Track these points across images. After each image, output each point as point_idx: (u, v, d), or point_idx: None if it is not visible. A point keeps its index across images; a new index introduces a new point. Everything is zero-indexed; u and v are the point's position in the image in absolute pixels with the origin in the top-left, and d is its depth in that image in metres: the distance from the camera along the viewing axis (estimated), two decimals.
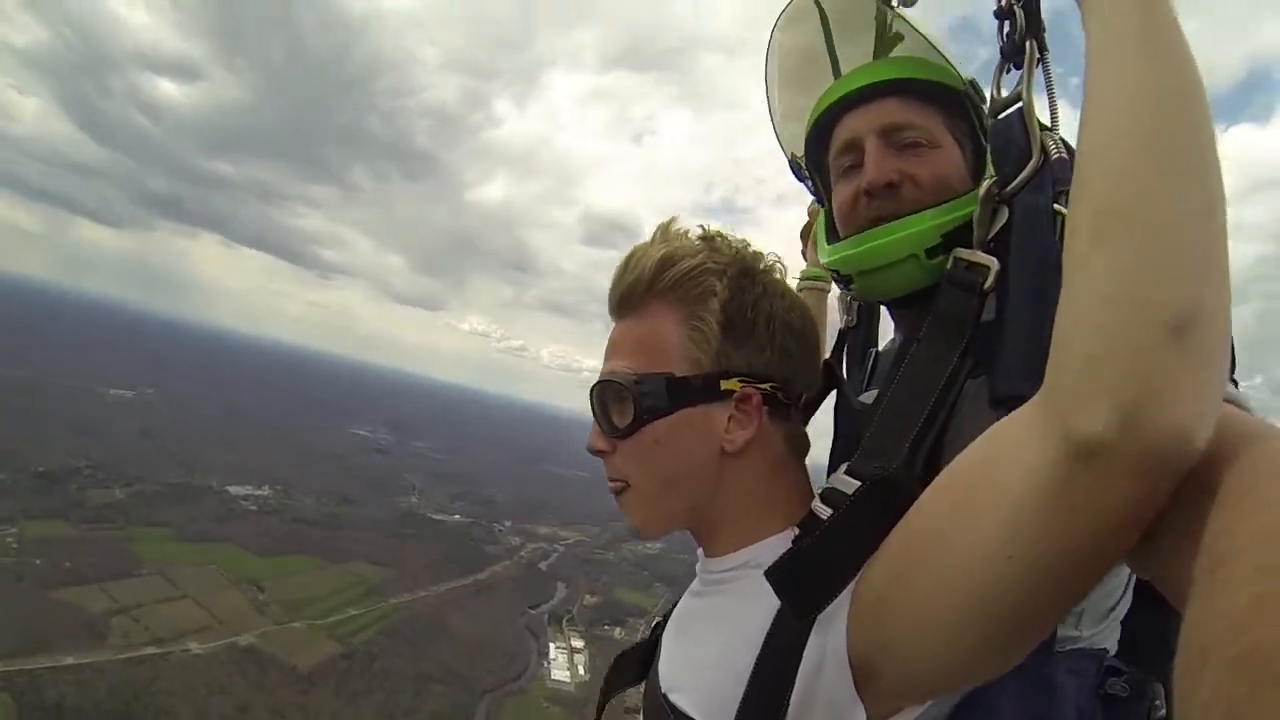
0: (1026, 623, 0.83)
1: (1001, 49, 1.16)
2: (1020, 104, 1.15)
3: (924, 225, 1.29)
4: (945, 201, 1.30)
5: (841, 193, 1.43)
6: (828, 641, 0.97)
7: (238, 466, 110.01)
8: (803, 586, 0.99)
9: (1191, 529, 0.61)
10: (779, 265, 1.29)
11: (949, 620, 0.85)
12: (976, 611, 0.82)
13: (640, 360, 1.19)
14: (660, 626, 1.46)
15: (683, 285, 1.18)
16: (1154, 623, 1.25)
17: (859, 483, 1.00)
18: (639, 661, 1.47)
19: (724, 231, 1.27)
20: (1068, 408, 0.70)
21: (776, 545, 1.13)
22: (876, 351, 1.76)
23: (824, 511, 1.03)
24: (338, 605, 75.74)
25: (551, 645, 73.80)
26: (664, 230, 1.25)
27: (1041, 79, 1.16)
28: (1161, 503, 0.70)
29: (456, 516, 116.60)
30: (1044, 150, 1.10)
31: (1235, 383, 1.15)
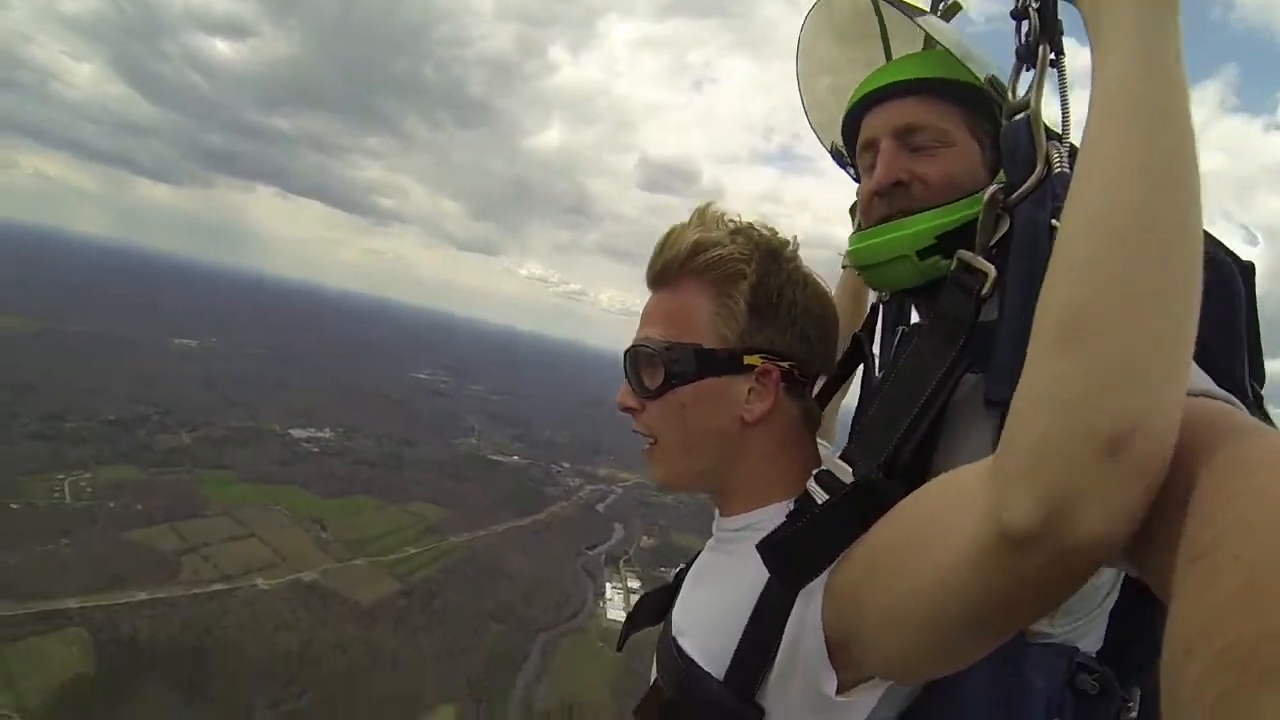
0: (969, 640, 0.95)
1: (1017, 50, 1.16)
2: (1028, 109, 1.14)
3: (918, 228, 1.36)
4: (949, 202, 1.36)
5: (862, 189, 1.52)
6: (807, 613, 1.11)
7: (300, 410, 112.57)
8: (788, 565, 1.12)
9: (1174, 524, 0.63)
10: (801, 259, 1.41)
11: (904, 626, 0.98)
12: (925, 623, 0.95)
13: (672, 330, 1.33)
14: (683, 573, 1.61)
15: (715, 267, 1.31)
16: (1142, 619, 1.30)
17: (849, 469, 1.12)
18: (660, 604, 1.59)
19: (756, 224, 1.39)
20: (1004, 495, 0.78)
21: (777, 513, 1.26)
22: (904, 329, 1.74)
23: (819, 494, 1.14)
24: (398, 544, 77.48)
25: (608, 585, 74.33)
26: (700, 214, 1.38)
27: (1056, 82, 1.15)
28: (1080, 583, 0.80)
29: (515, 458, 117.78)
30: (1047, 162, 1.10)
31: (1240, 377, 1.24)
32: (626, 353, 1.38)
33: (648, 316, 1.40)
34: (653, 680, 1.44)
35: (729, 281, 1.31)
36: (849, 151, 1.66)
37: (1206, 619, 0.50)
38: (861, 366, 1.73)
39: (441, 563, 75.10)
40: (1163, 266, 0.73)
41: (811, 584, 1.11)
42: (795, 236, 1.40)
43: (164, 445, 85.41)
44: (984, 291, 1.12)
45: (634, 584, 76.53)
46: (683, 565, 1.64)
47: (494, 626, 64.42)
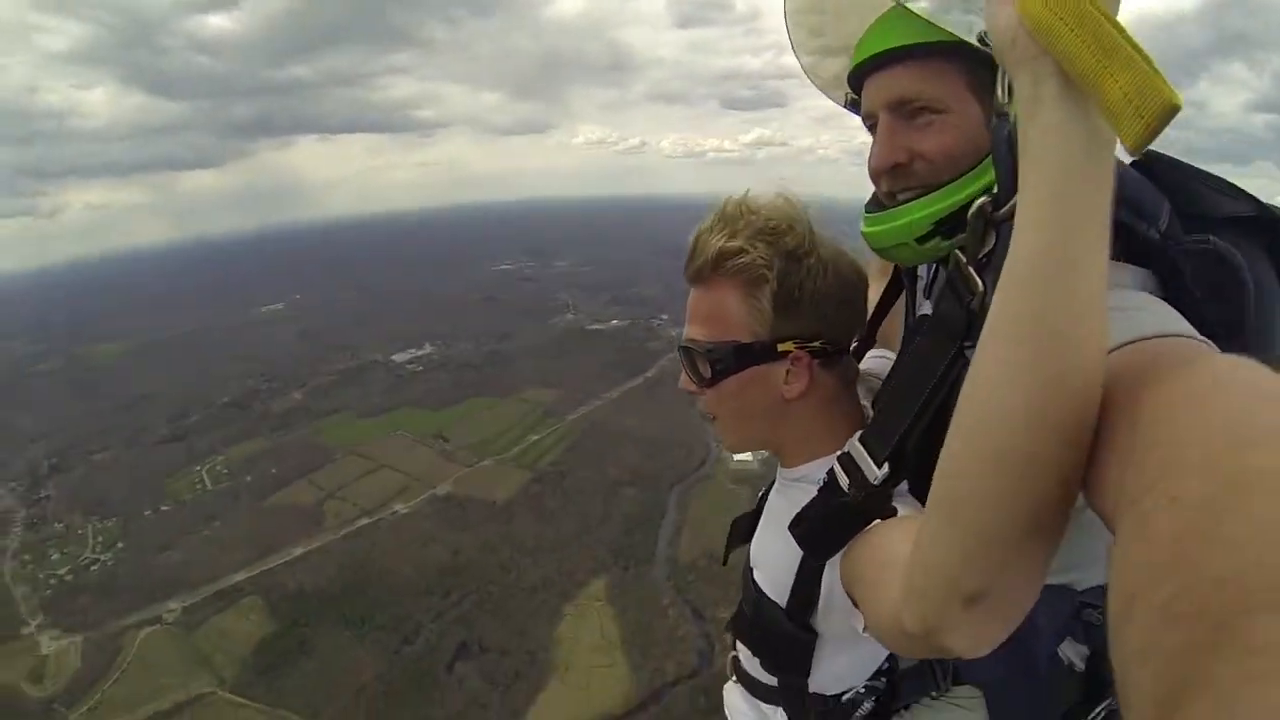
0: (899, 650, 1.34)
1: None
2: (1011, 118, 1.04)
3: (912, 217, 1.39)
4: (946, 181, 1.36)
5: (869, 158, 1.52)
6: (833, 575, 1.41)
7: (396, 336, 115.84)
8: (810, 545, 1.40)
9: (1121, 464, 0.63)
10: (828, 240, 1.52)
11: (870, 623, 1.25)
12: (876, 632, 1.24)
13: (713, 329, 1.51)
14: (764, 498, 1.84)
15: (741, 272, 1.45)
16: None
17: (868, 459, 1.26)
18: (748, 527, 1.86)
19: (775, 215, 1.49)
20: (901, 606, 1.02)
21: (823, 466, 1.43)
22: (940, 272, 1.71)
23: (840, 475, 1.33)
24: (519, 435, 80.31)
25: None
26: (722, 214, 1.50)
27: None
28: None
29: (614, 322, 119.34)
30: None
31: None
32: (680, 349, 1.57)
33: (691, 314, 1.56)
34: (739, 602, 1.79)
35: (754, 285, 1.46)
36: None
37: (1146, 567, 0.48)
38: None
39: (564, 443, 77.66)
40: (1032, 473, 0.79)
41: (834, 556, 1.38)
42: (810, 228, 1.50)
43: (280, 409, 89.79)
44: (973, 305, 1.13)
45: None
46: (763, 491, 1.87)
47: (627, 492, 66.57)
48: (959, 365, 1.16)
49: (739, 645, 1.84)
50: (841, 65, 1.60)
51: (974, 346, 1.05)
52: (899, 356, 1.62)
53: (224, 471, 73.82)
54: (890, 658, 1.60)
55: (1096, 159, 0.77)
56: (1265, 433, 0.49)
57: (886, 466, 1.23)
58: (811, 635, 1.52)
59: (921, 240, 1.39)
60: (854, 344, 1.67)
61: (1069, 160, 0.76)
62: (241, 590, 54.19)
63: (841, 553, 1.35)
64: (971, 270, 1.13)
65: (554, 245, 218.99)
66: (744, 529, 1.87)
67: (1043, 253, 0.78)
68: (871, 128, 1.46)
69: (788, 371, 1.48)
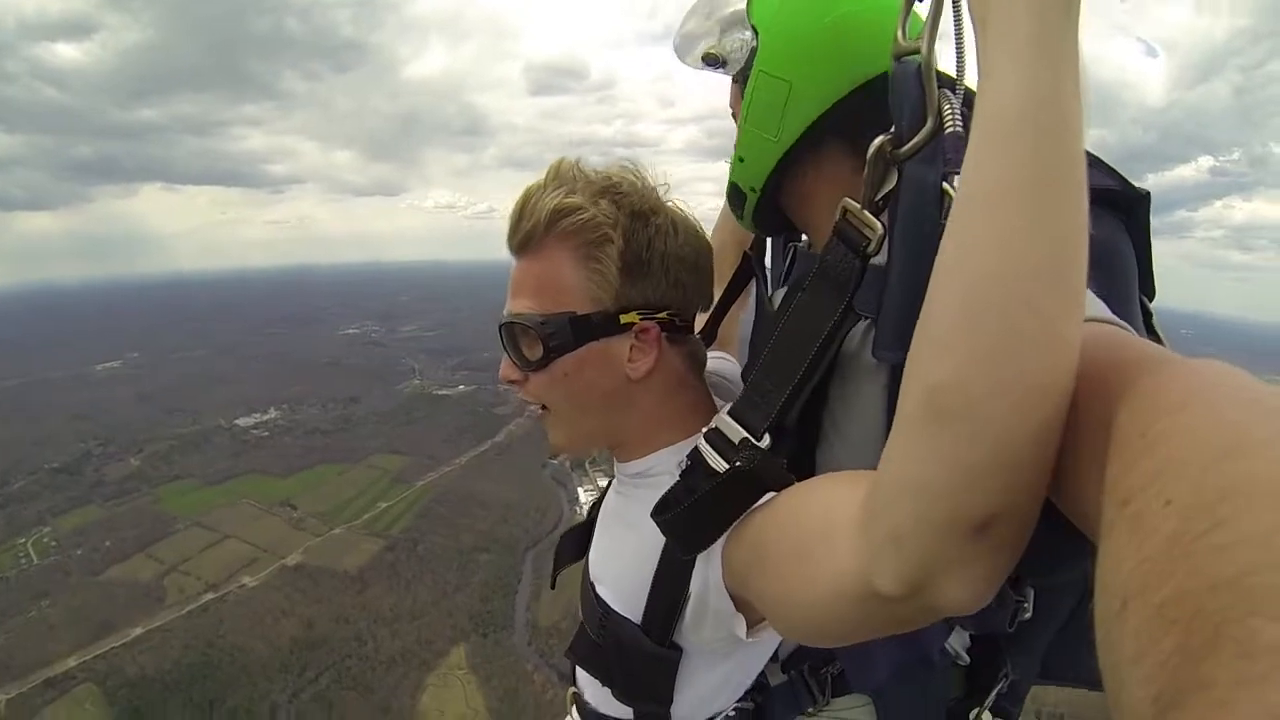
0: (848, 638, 1.00)
1: None
2: (918, 54, 0.99)
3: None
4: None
5: None
6: (709, 571, 1.17)
7: (240, 399, 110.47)
8: (681, 535, 1.14)
9: (1098, 461, 0.60)
10: (673, 203, 1.37)
11: (787, 617, 1.04)
12: (805, 623, 1.01)
13: (544, 300, 1.26)
14: (596, 508, 1.63)
15: (580, 232, 1.23)
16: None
17: (740, 431, 1.09)
18: (579, 541, 1.63)
19: (617, 175, 1.31)
20: (872, 565, 0.79)
21: (669, 457, 1.31)
22: (797, 246, 1.66)
23: (710, 455, 1.11)
24: (369, 502, 78.11)
25: (580, 490, 73.36)
26: (555, 171, 1.28)
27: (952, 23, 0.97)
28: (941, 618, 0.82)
29: (461, 387, 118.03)
30: (939, 117, 0.98)
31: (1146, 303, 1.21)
32: (501, 327, 1.30)
33: (516, 286, 1.31)
34: (580, 622, 1.50)
35: (596, 245, 1.24)
36: None
37: (1142, 568, 0.46)
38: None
39: (415, 509, 76.01)
40: (1042, 342, 0.66)
41: (709, 548, 1.14)
42: (666, 182, 1.36)
43: (115, 475, 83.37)
44: (870, 250, 1.05)
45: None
46: (594, 500, 1.68)
47: (482, 557, 65.65)
48: (848, 322, 1.10)
49: (580, 674, 1.57)
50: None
51: (856, 299, 1.06)
52: (766, 322, 1.56)
53: (52, 544, 67.41)
54: (761, 674, 1.49)
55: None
56: (1259, 440, 0.48)
57: (768, 439, 1.08)
58: (675, 652, 1.28)
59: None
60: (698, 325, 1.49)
61: None
62: (74, 677, 49.33)
63: (723, 539, 1.12)
64: (867, 213, 1.05)
65: (402, 309, 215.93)
66: (574, 544, 1.65)
67: (1031, 97, 0.67)
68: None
69: (632, 347, 1.27)
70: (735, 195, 1.47)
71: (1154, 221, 1.21)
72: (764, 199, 1.42)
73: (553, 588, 1.89)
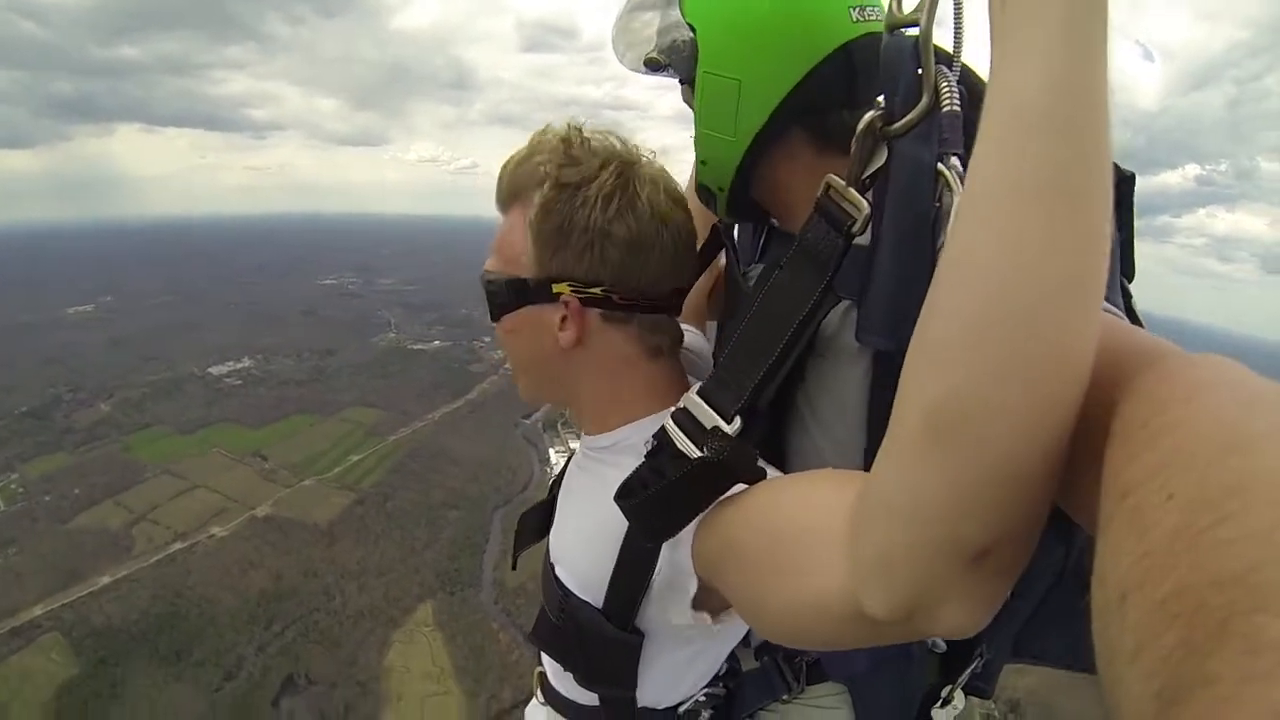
0: (812, 644, 1.02)
1: None
2: (916, 28, 0.94)
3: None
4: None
5: None
6: (676, 556, 1.12)
7: (214, 347, 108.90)
8: (646, 521, 1.08)
9: (1097, 453, 0.58)
10: (646, 177, 1.27)
11: (761, 620, 0.99)
12: (780, 629, 0.96)
13: (498, 260, 1.30)
14: (557, 485, 1.57)
15: (519, 196, 1.26)
16: None
17: (710, 413, 1.03)
18: (540, 520, 1.58)
19: (585, 144, 1.26)
20: (860, 583, 0.73)
21: (635, 432, 1.27)
22: (772, 225, 1.61)
23: (678, 437, 1.04)
24: (340, 455, 77.80)
25: (551, 451, 73.56)
26: (538, 136, 1.29)
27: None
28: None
29: (436, 343, 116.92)
30: (936, 93, 0.93)
31: (1127, 288, 1.18)
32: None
33: (493, 244, 1.35)
34: (541, 605, 1.46)
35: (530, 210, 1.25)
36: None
37: (1143, 562, 0.45)
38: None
39: (387, 464, 75.76)
40: (1053, 361, 0.60)
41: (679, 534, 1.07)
42: (618, 166, 1.24)
43: (85, 421, 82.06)
44: (854, 228, 1.00)
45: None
46: (555, 477, 1.64)
47: (451, 514, 65.69)
48: (828, 302, 1.05)
49: (544, 659, 1.54)
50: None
51: (837, 279, 1.02)
52: (738, 299, 1.50)
53: (19, 490, 66.36)
54: (731, 658, 1.47)
55: None
56: (1263, 435, 0.46)
57: (739, 421, 1.01)
58: (637, 637, 1.25)
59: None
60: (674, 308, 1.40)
61: None
62: (40, 626, 49.03)
63: (692, 527, 1.06)
64: (853, 191, 1.01)
65: (380, 262, 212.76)
66: (536, 523, 1.60)
67: (1059, 87, 0.60)
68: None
69: (563, 318, 1.25)
70: (705, 195, 1.44)
71: (1137, 224, 1.20)
72: (734, 195, 1.39)
73: (513, 568, 1.85)
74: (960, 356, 0.62)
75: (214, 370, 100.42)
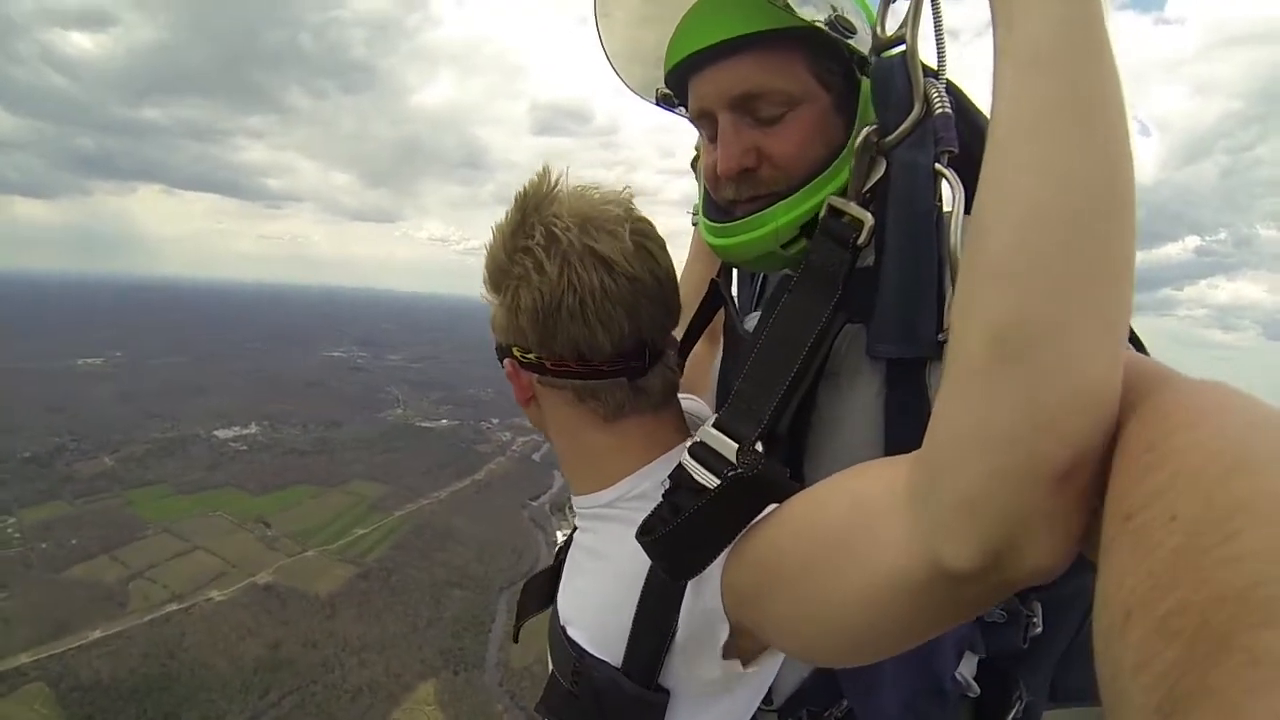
0: (886, 647, 0.88)
1: None
2: (902, 45, 1.00)
3: (778, 224, 1.18)
4: (802, 185, 1.17)
5: (706, 159, 1.27)
6: (703, 599, 1.02)
7: (220, 411, 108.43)
8: (671, 558, 1.00)
9: (1100, 476, 0.59)
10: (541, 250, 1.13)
11: (809, 636, 0.91)
12: (839, 634, 0.87)
13: None
14: (564, 551, 1.44)
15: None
16: None
17: (729, 443, 0.98)
18: (546, 588, 1.45)
19: (545, 210, 1.14)
20: (940, 540, 0.69)
21: (645, 478, 1.17)
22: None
23: (696, 470, 0.98)
24: (344, 527, 76.06)
25: (558, 534, 70.08)
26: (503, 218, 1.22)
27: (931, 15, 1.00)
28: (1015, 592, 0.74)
29: (444, 421, 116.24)
30: (926, 100, 0.97)
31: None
32: None
33: None
34: (550, 672, 1.30)
35: None
36: (681, 97, 1.35)
37: (1146, 581, 0.45)
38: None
39: (391, 539, 73.90)
40: (1103, 264, 0.63)
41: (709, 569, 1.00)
42: (559, 231, 1.10)
43: (87, 472, 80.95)
44: (860, 240, 1.01)
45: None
46: (562, 544, 1.45)
47: (455, 593, 63.84)
48: (840, 319, 1.02)
49: None
50: (657, 38, 1.30)
51: (846, 299, 0.99)
52: (738, 345, 1.35)
53: (15, 535, 64.73)
54: None
55: None
56: (1267, 457, 0.47)
57: (761, 448, 0.96)
58: (662, 695, 1.10)
59: (787, 245, 1.17)
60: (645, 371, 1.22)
61: None
62: (26, 675, 46.78)
63: (719, 562, 0.98)
64: (854, 205, 1.01)
65: (388, 337, 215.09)
66: (541, 590, 1.44)
67: (1066, 22, 0.66)
68: (710, 137, 1.22)
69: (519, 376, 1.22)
70: (768, 262, 1.30)
71: (1139, 298, 1.06)
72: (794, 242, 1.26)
73: (515, 640, 1.68)
74: (1019, 271, 0.63)
75: (219, 433, 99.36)
